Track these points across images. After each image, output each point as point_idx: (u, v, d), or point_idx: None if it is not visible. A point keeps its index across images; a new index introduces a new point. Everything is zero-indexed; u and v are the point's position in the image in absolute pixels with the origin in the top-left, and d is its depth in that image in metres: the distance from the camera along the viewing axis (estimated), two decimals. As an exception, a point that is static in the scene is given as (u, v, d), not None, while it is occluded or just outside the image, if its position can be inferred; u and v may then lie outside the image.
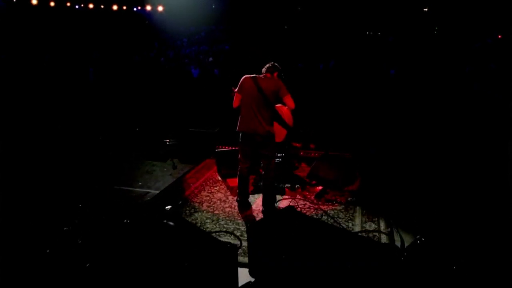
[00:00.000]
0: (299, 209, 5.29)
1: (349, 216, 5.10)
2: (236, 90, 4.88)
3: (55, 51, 13.12)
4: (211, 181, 6.24)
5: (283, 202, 5.48)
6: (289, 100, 4.78)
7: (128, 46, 15.13)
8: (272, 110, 4.87)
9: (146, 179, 6.28)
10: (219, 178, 6.30)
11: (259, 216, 5.11)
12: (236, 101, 4.91)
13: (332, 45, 14.91)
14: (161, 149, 7.70)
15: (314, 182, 6.11)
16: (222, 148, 7.22)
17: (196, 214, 5.14)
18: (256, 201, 5.49)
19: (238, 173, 5.12)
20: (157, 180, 6.25)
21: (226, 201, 5.50)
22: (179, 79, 11.13)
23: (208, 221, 5.00)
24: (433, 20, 20.50)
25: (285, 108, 5.09)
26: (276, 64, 4.92)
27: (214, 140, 7.80)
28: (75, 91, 10.31)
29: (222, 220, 4.99)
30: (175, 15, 19.65)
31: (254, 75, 4.84)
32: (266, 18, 18.72)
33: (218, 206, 5.38)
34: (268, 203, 5.09)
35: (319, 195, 5.64)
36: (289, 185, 5.89)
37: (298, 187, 5.86)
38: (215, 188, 5.95)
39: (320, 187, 5.89)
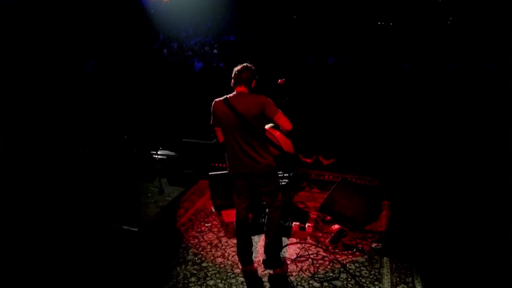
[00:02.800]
0: (309, 260, 4.12)
1: (374, 274, 3.94)
2: (211, 122, 3.70)
3: (56, 42, 11.96)
4: (202, 213, 5.09)
5: (289, 250, 4.34)
6: (281, 120, 3.57)
7: (131, 37, 13.92)
8: (263, 136, 3.70)
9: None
10: (213, 210, 5.15)
11: (260, 270, 3.96)
12: (219, 136, 3.76)
13: (342, 37, 13.60)
14: (149, 164, 6.55)
15: (328, 217, 4.94)
16: (217, 165, 6.06)
17: (178, 268, 4.00)
18: (258, 247, 4.34)
19: (235, 216, 3.96)
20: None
21: (218, 247, 4.36)
22: (179, 76, 9.94)
23: (192, 279, 3.87)
24: (447, 10, 18.91)
25: (277, 132, 3.90)
26: (248, 65, 3.61)
27: (210, 153, 6.65)
28: (70, 88, 9.10)
29: (211, 279, 3.85)
30: (180, 2, 18.31)
31: (225, 96, 3.59)
32: (274, 7, 17.34)
33: (208, 254, 4.24)
34: (272, 252, 3.96)
35: (335, 239, 4.48)
36: (297, 223, 4.72)
37: (309, 226, 4.68)
38: (206, 225, 4.81)
39: (337, 226, 4.73)
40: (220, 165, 6.10)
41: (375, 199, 4.99)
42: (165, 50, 12.24)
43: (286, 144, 3.91)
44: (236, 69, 3.60)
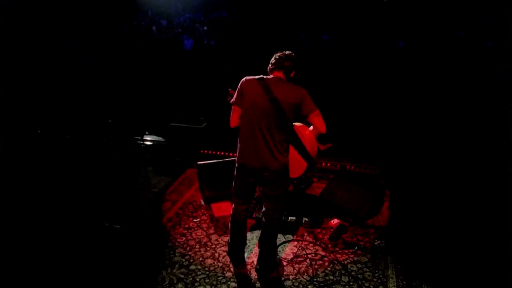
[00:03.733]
0: (308, 261, 3.76)
1: (378, 276, 3.60)
2: (233, 99, 3.25)
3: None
4: (190, 207, 4.69)
5: (286, 249, 3.96)
6: (318, 119, 3.16)
7: (118, 14, 13.16)
8: (290, 132, 3.24)
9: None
10: (202, 203, 4.75)
11: (254, 273, 3.60)
12: (234, 118, 3.29)
13: (335, 12, 12.97)
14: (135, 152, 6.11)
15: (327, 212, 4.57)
16: (207, 153, 5.66)
17: (164, 272, 3.61)
18: (251, 246, 3.98)
19: (231, 216, 3.57)
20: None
21: (207, 246, 3.98)
22: (167, 55, 9.38)
23: (179, 285, 3.50)
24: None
25: (307, 131, 3.46)
26: (292, 54, 3.22)
27: (200, 138, 6.23)
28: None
29: (199, 284, 3.50)
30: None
31: (262, 76, 3.17)
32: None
33: (196, 254, 3.86)
34: (267, 262, 3.57)
35: (334, 236, 4.12)
36: (294, 218, 4.34)
37: (306, 221, 4.31)
38: (194, 220, 4.42)
39: (336, 221, 4.36)
40: (210, 152, 5.71)
41: (376, 190, 4.63)
42: (154, 28, 11.62)
43: (313, 148, 3.45)
44: (277, 54, 3.21)
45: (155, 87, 7.68)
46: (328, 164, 5.43)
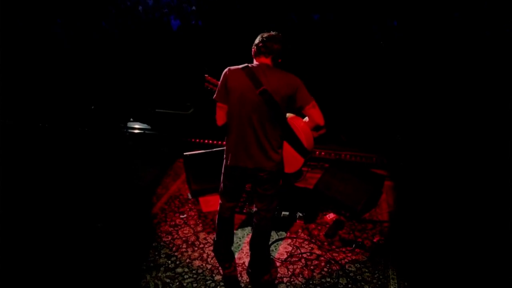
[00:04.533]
0: (303, 261, 3.50)
1: (378, 277, 3.37)
2: (216, 95, 2.88)
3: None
4: (177, 201, 4.40)
5: (280, 248, 3.69)
6: (315, 111, 2.83)
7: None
8: (284, 127, 2.93)
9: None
10: (189, 196, 4.45)
11: (245, 276, 3.33)
12: (221, 116, 2.93)
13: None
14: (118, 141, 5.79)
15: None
16: (194, 141, 5.35)
17: (148, 276, 3.33)
18: (243, 245, 3.70)
19: (218, 212, 3.27)
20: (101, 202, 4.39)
21: (195, 246, 3.71)
22: (153, 36, 8.95)
23: (164, 291, 3.20)
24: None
25: (302, 122, 3.14)
26: (280, 35, 2.82)
27: (187, 125, 5.91)
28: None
29: (187, 290, 3.20)
30: None
31: (246, 64, 2.80)
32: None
33: (183, 255, 3.59)
34: (258, 265, 3.31)
35: (330, 233, 3.86)
36: (287, 213, 4.07)
37: (300, 216, 4.04)
38: (181, 217, 4.13)
39: (332, 216, 4.11)
40: (198, 140, 5.39)
41: (374, 181, 4.34)
42: (140, 7, 11.08)
43: (308, 140, 3.13)
44: (264, 35, 2.79)
45: (140, 71, 7.29)
46: (323, 153, 5.16)
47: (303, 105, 2.79)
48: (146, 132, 5.83)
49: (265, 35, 2.79)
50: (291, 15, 9.78)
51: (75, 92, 6.76)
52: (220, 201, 3.24)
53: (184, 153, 4.59)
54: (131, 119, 6.31)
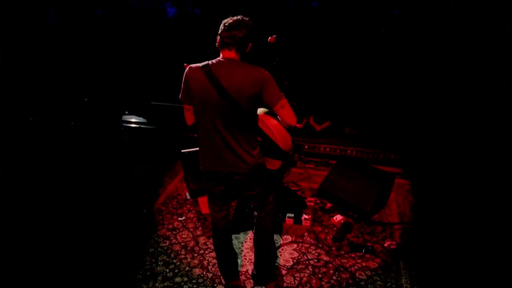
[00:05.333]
0: (310, 268, 3.27)
1: (391, 287, 3.13)
2: (180, 95, 2.61)
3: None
4: (174, 202, 4.15)
5: (284, 253, 3.48)
6: (285, 111, 2.48)
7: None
8: (254, 126, 2.65)
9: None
10: (187, 196, 4.19)
11: (249, 285, 3.12)
12: (189, 117, 2.69)
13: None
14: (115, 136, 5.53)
15: (328, 205, 4.08)
16: (192, 136, 5.08)
17: (145, 286, 3.09)
18: (244, 251, 3.47)
19: (212, 227, 3.02)
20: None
21: (194, 252, 3.48)
22: (149, 24, 8.60)
23: (162, 304, 2.97)
24: None
25: (273, 121, 2.87)
26: (244, 18, 2.45)
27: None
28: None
29: (186, 302, 2.97)
30: None
31: (206, 62, 2.46)
32: None
33: (182, 263, 3.36)
34: (264, 266, 3.07)
35: (339, 237, 3.63)
36: (292, 214, 3.84)
37: (306, 218, 3.81)
38: (179, 219, 3.89)
39: (339, 218, 3.88)
40: (196, 136, 5.11)
41: (384, 181, 4.11)
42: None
43: (284, 140, 2.86)
44: (226, 22, 2.43)
45: (136, 61, 6.97)
46: (327, 149, 4.92)
47: (271, 105, 2.46)
48: (142, 126, 5.56)
49: (228, 21, 2.42)
50: (290, 1, 9.44)
51: (67, 84, 6.45)
52: (211, 216, 2.96)
53: (182, 150, 4.31)
54: (126, 112, 6.04)
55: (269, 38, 3.22)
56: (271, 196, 2.88)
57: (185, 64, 2.91)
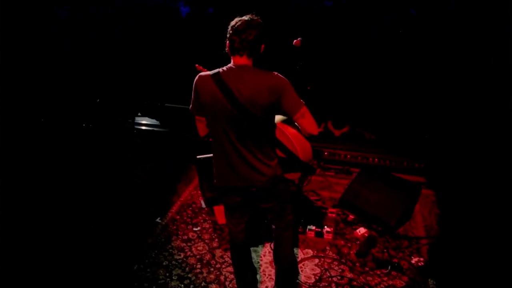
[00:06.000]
0: (333, 286, 3.07)
1: (421, 308, 2.90)
2: (191, 106, 2.42)
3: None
4: (189, 210, 3.98)
5: (305, 268, 3.29)
6: (306, 120, 2.27)
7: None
8: (269, 136, 2.43)
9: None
10: (202, 205, 4.03)
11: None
12: (201, 128, 2.53)
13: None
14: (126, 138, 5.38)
15: (351, 216, 3.87)
16: (208, 140, 4.88)
17: (157, 303, 2.92)
18: (263, 265, 3.30)
19: (230, 241, 2.83)
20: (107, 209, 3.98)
21: (211, 265, 3.30)
22: (163, 23, 8.42)
23: (177, 323, 2.79)
24: None
25: (291, 130, 2.67)
26: (254, 18, 2.22)
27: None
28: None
29: (203, 322, 2.79)
30: None
31: (217, 70, 2.26)
32: None
33: (198, 278, 3.20)
34: (286, 283, 2.87)
35: (363, 251, 3.43)
36: (313, 227, 3.64)
37: (328, 231, 3.61)
38: (194, 229, 3.71)
39: (363, 231, 3.67)
40: (206, 139, 4.93)
41: (409, 192, 3.89)
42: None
43: (304, 150, 2.66)
44: (233, 25, 2.22)
45: (149, 62, 6.80)
46: (348, 156, 4.71)
47: (290, 114, 2.26)
48: (155, 129, 5.40)
49: (236, 24, 2.21)
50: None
51: (78, 84, 6.30)
52: (228, 229, 2.78)
53: (197, 156, 4.15)
54: (139, 114, 5.88)
55: (294, 41, 3.03)
56: (289, 207, 2.67)
57: (196, 65, 2.73)
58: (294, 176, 2.77)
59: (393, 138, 5.10)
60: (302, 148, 2.63)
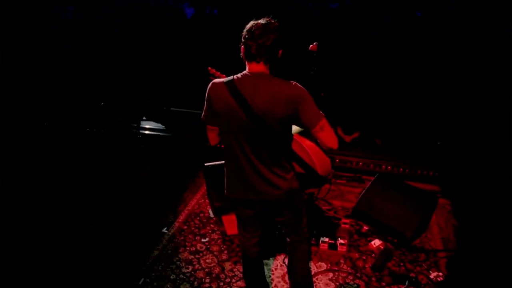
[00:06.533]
0: (349, 303, 2.93)
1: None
2: (203, 115, 2.30)
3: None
4: (197, 220, 3.83)
5: (319, 283, 3.13)
6: (325, 133, 2.13)
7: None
8: (285, 148, 2.29)
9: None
10: (210, 214, 3.89)
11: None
12: (213, 137, 2.40)
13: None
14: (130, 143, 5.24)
15: (365, 227, 3.72)
16: (215, 146, 4.74)
17: (165, 320, 2.77)
18: (275, 280, 3.14)
19: (242, 255, 2.69)
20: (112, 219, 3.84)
21: (220, 279, 3.16)
22: (165, 25, 8.28)
23: None
24: None
25: (308, 142, 2.54)
26: (271, 21, 2.09)
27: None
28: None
29: None
30: None
31: (232, 77, 2.14)
32: None
33: (207, 293, 3.01)
34: None
35: (379, 265, 3.27)
36: (326, 238, 3.49)
37: (341, 243, 3.46)
38: (203, 241, 3.57)
39: (378, 243, 3.52)
40: (219, 145, 4.79)
41: (426, 201, 3.74)
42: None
43: (323, 164, 2.52)
44: (250, 28, 2.07)
45: (154, 65, 6.66)
46: (360, 163, 4.56)
47: (309, 126, 2.12)
48: (160, 134, 5.26)
49: (252, 27, 2.06)
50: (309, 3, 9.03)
51: (82, 87, 6.17)
52: (241, 243, 2.65)
53: (205, 164, 4.01)
54: (144, 118, 5.75)
55: (311, 46, 2.90)
56: (304, 219, 2.55)
57: (209, 68, 2.61)
58: (310, 190, 2.64)
59: (404, 144, 4.95)
60: (320, 162, 2.49)
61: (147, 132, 5.40)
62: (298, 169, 2.41)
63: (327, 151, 2.53)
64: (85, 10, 7.71)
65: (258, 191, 2.26)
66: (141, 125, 5.47)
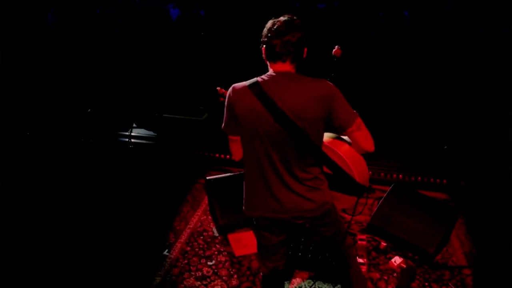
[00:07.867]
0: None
1: None
2: (224, 125, 2.07)
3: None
4: (200, 240, 3.51)
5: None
6: (361, 134, 1.98)
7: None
8: (318, 155, 2.02)
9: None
10: (214, 233, 3.57)
11: None
12: (236, 150, 2.14)
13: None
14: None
15: (383, 244, 3.46)
16: (214, 156, 4.47)
17: None
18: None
19: (261, 280, 2.39)
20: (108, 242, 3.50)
21: (232, 310, 2.82)
22: (153, 28, 7.92)
23: None
24: None
25: (344, 146, 2.27)
26: (294, 18, 1.91)
27: (201, 134, 5.03)
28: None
29: None
30: None
31: (255, 79, 1.93)
32: None
33: (219, 326, 2.69)
34: None
35: (402, 286, 3.00)
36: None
37: (362, 263, 3.19)
38: (209, 264, 3.24)
39: (399, 261, 3.27)
40: (218, 155, 4.50)
41: (446, 215, 3.49)
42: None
43: (361, 170, 2.25)
44: (272, 26, 1.89)
45: (144, 70, 6.30)
46: (370, 172, 4.26)
47: (345, 127, 1.94)
48: (152, 143, 4.92)
49: (275, 25, 1.88)
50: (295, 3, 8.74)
51: (67, 93, 5.77)
52: (261, 269, 2.35)
53: (207, 177, 3.70)
54: (134, 125, 5.39)
55: (334, 50, 2.61)
56: (344, 232, 2.32)
57: (218, 88, 2.32)
58: (346, 203, 2.37)
59: (412, 148, 4.73)
60: (357, 167, 2.22)
61: (137, 140, 5.04)
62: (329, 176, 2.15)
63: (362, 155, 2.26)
64: (62, 14, 7.31)
65: (288, 209, 2.02)
66: (132, 133, 5.11)
